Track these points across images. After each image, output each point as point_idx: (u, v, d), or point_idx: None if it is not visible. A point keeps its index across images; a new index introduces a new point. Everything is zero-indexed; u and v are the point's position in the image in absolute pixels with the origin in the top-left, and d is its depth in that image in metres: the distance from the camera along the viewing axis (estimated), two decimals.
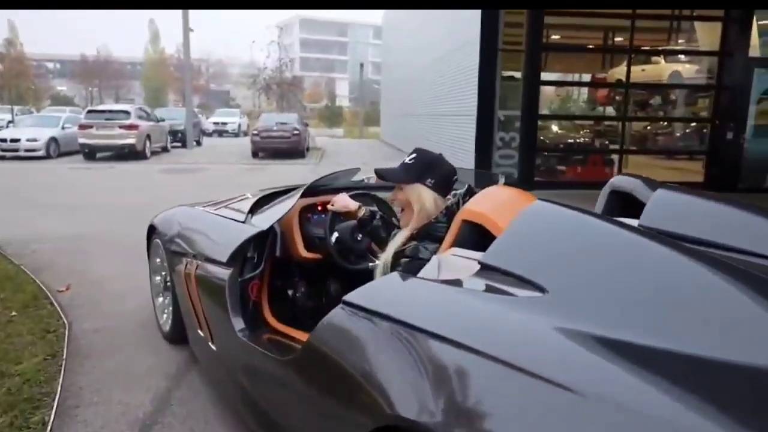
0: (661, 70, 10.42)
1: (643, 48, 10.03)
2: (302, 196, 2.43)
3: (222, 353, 2.36)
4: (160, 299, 3.35)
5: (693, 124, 10.11)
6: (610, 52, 10.45)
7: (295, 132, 15.90)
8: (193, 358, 2.87)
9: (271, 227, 2.34)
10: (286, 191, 3.01)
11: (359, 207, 2.33)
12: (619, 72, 10.07)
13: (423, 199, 1.91)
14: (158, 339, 3.20)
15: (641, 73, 10.08)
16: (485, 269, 1.42)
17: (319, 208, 2.77)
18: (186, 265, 2.66)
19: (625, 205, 2.01)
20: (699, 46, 10.14)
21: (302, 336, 2.23)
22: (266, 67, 30.04)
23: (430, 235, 1.85)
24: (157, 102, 38.01)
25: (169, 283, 3.11)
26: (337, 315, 1.54)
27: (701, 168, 9.51)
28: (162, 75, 47.83)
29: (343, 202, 2.35)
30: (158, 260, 3.32)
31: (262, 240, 2.37)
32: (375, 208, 2.55)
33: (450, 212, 1.85)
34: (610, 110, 10.71)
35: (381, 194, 2.74)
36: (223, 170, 12.44)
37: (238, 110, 34.71)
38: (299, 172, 11.86)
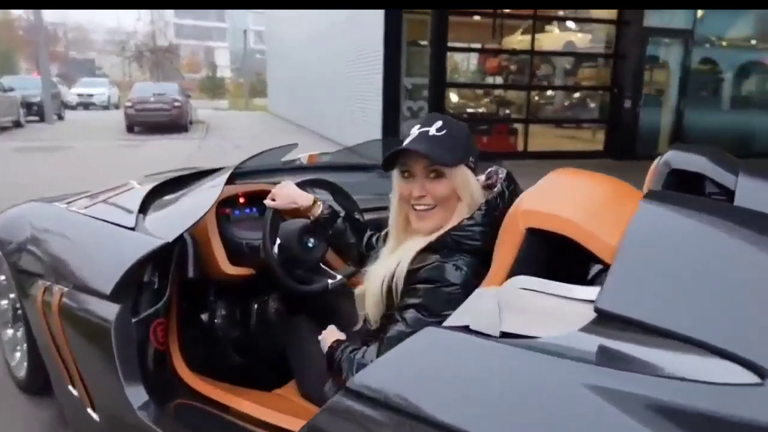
0: (554, 39, 10.40)
1: (549, 15, 9.87)
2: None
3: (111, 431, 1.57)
4: (10, 332, 2.40)
5: (593, 92, 10.21)
6: (518, 19, 10.15)
7: (176, 104, 14.31)
8: (64, 420, 2.01)
9: (180, 237, 1.55)
10: (185, 177, 2.19)
11: (315, 202, 1.62)
12: (511, 41, 9.89)
13: (472, 187, 1.25)
14: (9, 391, 2.27)
15: (536, 42, 9.95)
16: (609, 321, 0.81)
17: (242, 199, 2.01)
18: (44, 291, 1.79)
19: (688, 187, 1.49)
20: (590, 15, 10.20)
21: (234, 399, 1.50)
22: (136, 31, 27.13)
23: (459, 245, 1.18)
24: (3, 69, 33.18)
25: (20, 312, 2.19)
26: (336, 410, 0.87)
27: (602, 136, 9.66)
28: (9, 39, 41.79)
29: (288, 195, 1.62)
30: (2, 278, 2.36)
31: (165, 256, 1.58)
32: (329, 197, 1.85)
33: (490, 209, 1.20)
34: (499, 80, 10.50)
35: (332, 177, 2.02)
36: (92, 148, 10.77)
37: (107, 80, 31.22)
38: (184, 149, 10.59)
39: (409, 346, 0.89)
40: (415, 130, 1.27)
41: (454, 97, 10.29)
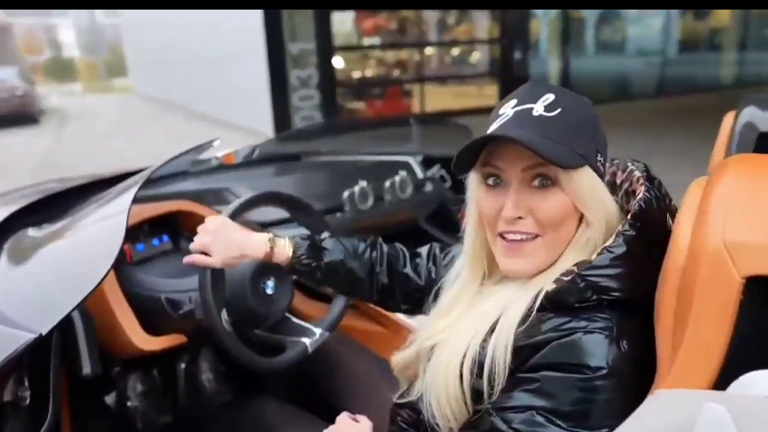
0: None
1: None
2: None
3: None
4: None
5: (484, 46, 10.06)
6: None
7: (17, 91, 12.31)
8: None
9: (60, 324, 0.93)
10: (57, 197, 1.50)
11: (272, 243, 1.00)
12: None
13: (606, 202, 0.75)
14: None
15: None
16: None
17: (144, 226, 1.39)
18: None
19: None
20: None
21: None
22: None
23: (602, 293, 0.69)
24: None
25: None
26: None
27: (496, 91, 9.57)
28: None
29: (228, 242, 0.98)
30: None
31: (38, 353, 0.95)
32: (289, 219, 1.30)
33: (643, 227, 0.72)
34: (377, 41, 10.01)
35: (263, 178, 1.44)
36: None
37: None
38: (38, 145, 9.09)
39: None
40: (508, 108, 0.75)
41: (340, 62, 9.66)
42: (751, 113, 1.18)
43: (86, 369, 1.04)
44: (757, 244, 0.57)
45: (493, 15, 9.52)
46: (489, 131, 0.76)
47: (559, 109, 0.73)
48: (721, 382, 0.57)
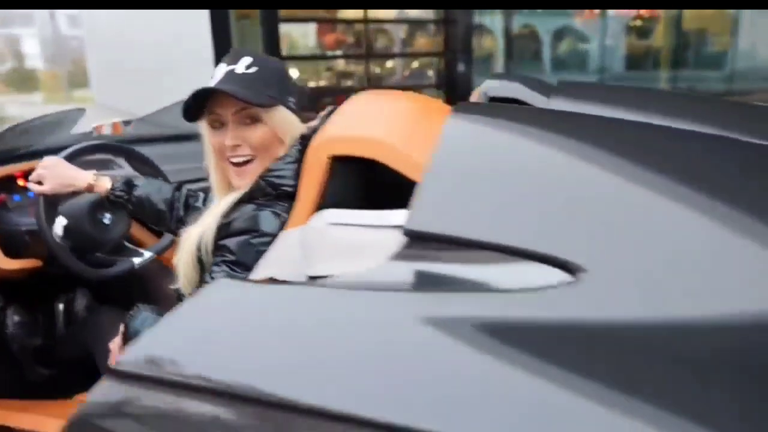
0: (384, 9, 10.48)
1: None
2: None
3: None
4: None
5: (429, 59, 10.49)
6: None
7: None
8: None
9: None
10: None
11: (95, 178, 1.33)
12: (345, 13, 9.82)
13: (296, 129, 1.11)
14: None
15: (369, 12, 9.97)
16: (419, 243, 0.71)
17: (21, 181, 1.67)
18: None
19: None
20: None
21: (15, 417, 1.23)
22: None
23: (276, 188, 1.03)
24: None
25: None
26: (103, 394, 0.68)
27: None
28: None
29: (59, 175, 1.32)
30: None
31: None
32: (127, 169, 1.59)
33: (306, 144, 1.04)
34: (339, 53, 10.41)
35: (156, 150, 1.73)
36: None
37: None
38: None
39: (194, 305, 0.72)
40: (220, 70, 1.09)
41: (294, 72, 9.98)
42: (487, 83, 1.54)
43: None
44: (337, 136, 0.89)
45: (437, 29, 9.97)
46: (206, 86, 1.08)
47: (255, 68, 1.07)
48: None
